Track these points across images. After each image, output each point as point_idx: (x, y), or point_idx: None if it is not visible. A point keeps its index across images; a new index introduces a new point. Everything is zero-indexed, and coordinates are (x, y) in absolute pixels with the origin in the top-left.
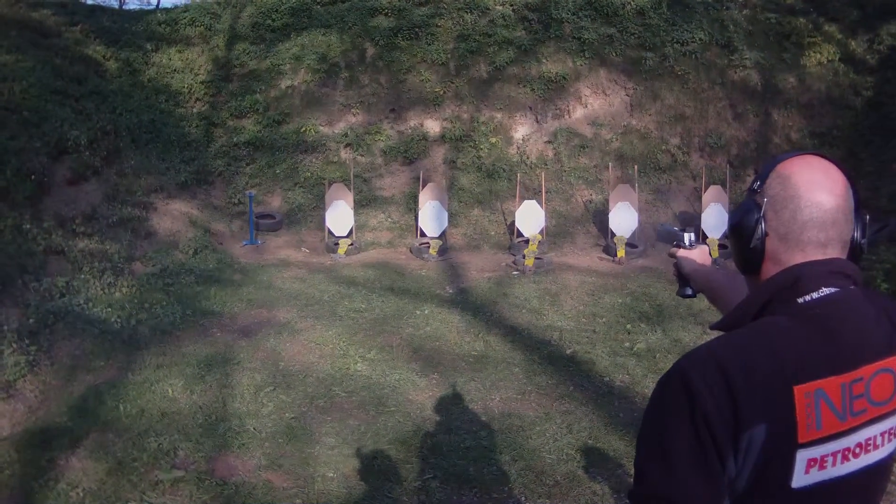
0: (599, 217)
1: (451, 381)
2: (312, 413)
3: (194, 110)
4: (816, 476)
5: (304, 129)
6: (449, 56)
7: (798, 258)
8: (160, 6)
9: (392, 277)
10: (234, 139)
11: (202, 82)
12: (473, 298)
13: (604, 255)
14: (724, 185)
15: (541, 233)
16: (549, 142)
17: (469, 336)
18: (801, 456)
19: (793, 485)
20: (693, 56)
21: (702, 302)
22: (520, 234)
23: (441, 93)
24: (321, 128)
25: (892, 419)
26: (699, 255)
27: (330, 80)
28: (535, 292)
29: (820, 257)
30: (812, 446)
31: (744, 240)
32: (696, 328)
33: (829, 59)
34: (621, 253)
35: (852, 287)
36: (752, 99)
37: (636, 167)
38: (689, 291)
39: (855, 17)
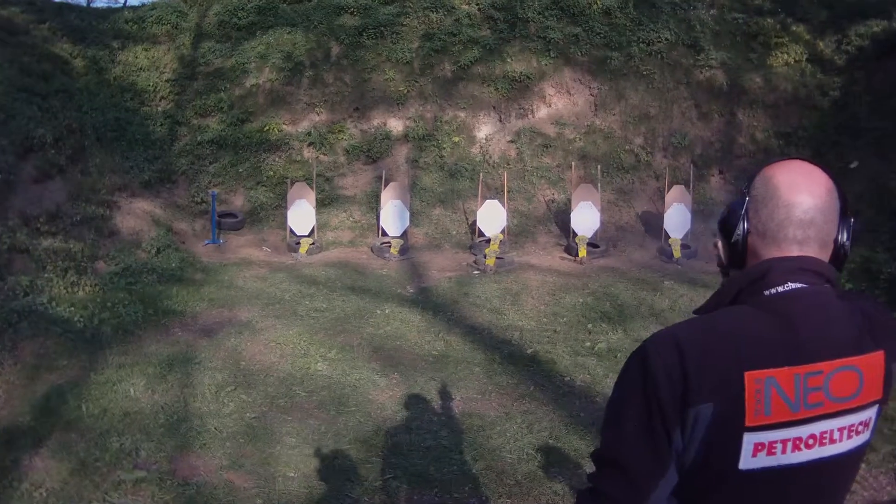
0: (561, 217)
1: (412, 381)
2: (273, 413)
3: (159, 109)
4: (765, 461)
5: (267, 127)
6: (414, 55)
7: (774, 254)
8: (127, 4)
9: (353, 277)
10: (199, 138)
11: (167, 80)
12: (434, 298)
13: (565, 255)
14: (687, 186)
15: (502, 232)
16: (512, 141)
17: (429, 336)
18: (748, 439)
19: (740, 466)
20: (659, 56)
21: (663, 302)
22: (481, 234)
23: (405, 92)
24: (285, 127)
25: (854, 416)
26: None
27: (294, 78)
28: (496, 292)
29: (795, 254)
30: (759, 431)
31: (727, 236)
32: (657, 327)
33: (797, 59)
34: (583, 253)
35: (825, 285)
36: (717, 99)
37: (599, 167)
38: None
39: (823, 18)
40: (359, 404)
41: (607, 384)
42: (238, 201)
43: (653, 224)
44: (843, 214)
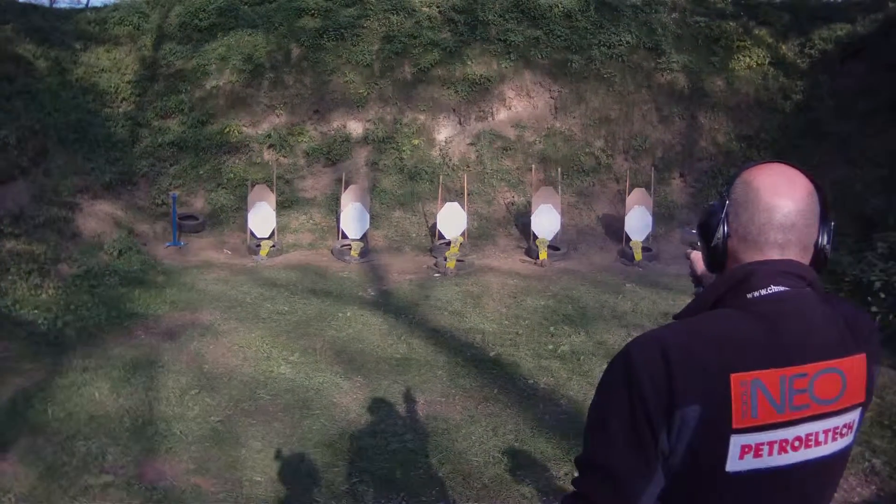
0: (521, 219)
1: (375, 384)
2: (238, 416)
3: (120, 110)
4: (752, 463)
5: (227, 129)
6: (374, 57)
7: (756, 258)
8: (89, 5)
9: (314, 279)
10: (159, 139)
11: (129, 82)
12: (395, 300)
13: (526, 258)
14: (648, 188)
15: (462, 235)
16: (472, 144)
17: (392, 338)
18: (735, 441)
19: (727, 468)
20: (620, 59)
21: (625, 304)
22: (441, 237)
23: (365, 94)
24: (245, 129)
25: (838, 418)
26: None
27: (255, 80)
28: (457, 294)
29: (776, 258)
30: (746, 433)
31: (707, 239)
32: (620, 330)
33: (759, 62)
34: (543, 255)
35: (806, 288)
36: (678, 102)
37: (560, 169)
38: (701, 290)
39: (786, 22)
40: (323, 407)
41: (571, 387)
42: (198, 203)
43: (613, 227)
44: (824, 218)
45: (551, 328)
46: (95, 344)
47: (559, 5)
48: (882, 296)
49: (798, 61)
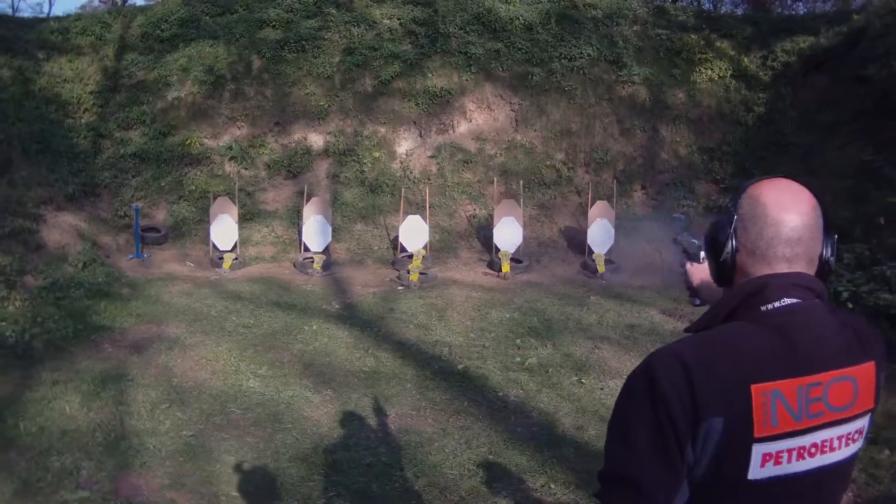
0: (483, 232)
1: (345, 398)
2: (210, 430)
3: (83, 121)
4: (772, 470)
5: (189, 141)
6: (335, 69)
7: (764, 271)
8: (51, 14)
9: (278, 292)
10: (121, 151)
11: (91, 92)
12: (360, 314)
13: (488, 270)
14: (610, 201)
15: (425, 248)
16: (433, 156)
17: (359, 352)
18: (757, 450)
19: (749, 476)
20: (581, 71)
21: (590, 317)
22: (403, 249)
23: (326, 106)
24: (206, 140)
25: (850, 424)
26: (707, 269)
27: (216, 92)
28: (421, 307)
29: (785, 271)
30: (767, 441)
31: (716, 254)
32: (587, 343)
33: (721, 75)
34: (506, 268)
35: (816, 300)
36: (639, 114)
37: (521, 182)
38: (697, 302)
39: (748, 34)
40: (294, 421)
41: (541, 399)
42: (160, 215)
43: (575, 239)
44: (827, 231)
45: (517, 341)
46: (63, 357)
47: (520, 18)
48: (850, 306)
49: (760, 74)
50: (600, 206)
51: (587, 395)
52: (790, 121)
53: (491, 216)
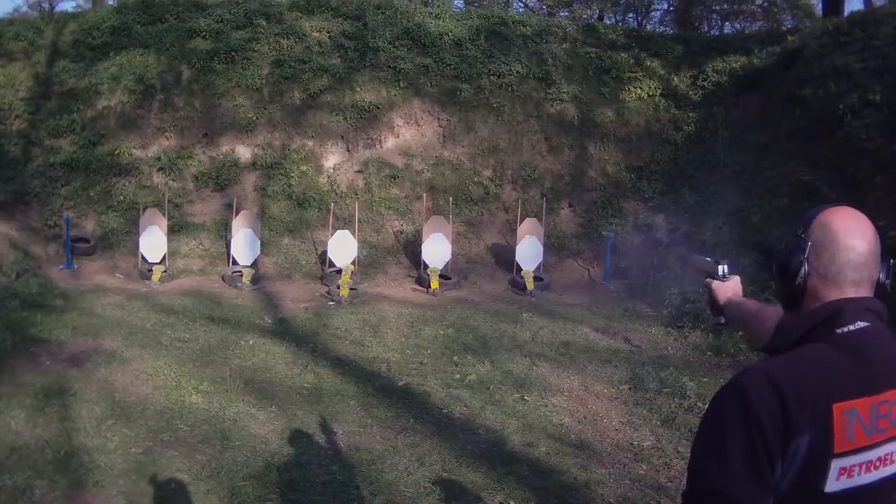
0: (411, 248)
1: (290, 414)
2: (159, 448)
3: (14, 128)
4: (845, 483)
5: (118, 151)
6: (263, 81)
7: (835, 295)
8: None
9: (209, 306)
10: (51, 159)
11: (22, 99)
12: (294, 329)
13: (417, 287)
14: (537, 218)
15: (353, 263)
16: (360, 171)
17: (297, 368)
18: (835, 465)
19: (826, 489)
20: (509, 88)
21: (524, 334)
22: (332, 264)
23: (254, 118)
24: (135, 151)
25: None
26: (733, 287)
27: (145, 101)
28: (354, 323)
29: (853, 295)
30: (844, 456)
31: (789, 278)
32: (523, 360)
33: (650, 93)
34: (435, 284)
35: (881, 322)
36: (568, 132)
37: (451, 199)
38: (723, 320)
39: (679, 53)
40: (242, 439)
41: (486, 416)
42: (89, 226)
43: (503, 256)
44: (883, 256)
45: (454, 357)
46: (3, 370)
47: (450, 34)
48: None
49: (691, 93)
50: (529, 223)
51: (532, 412)
52: (722, 140)
53: (419, 232)
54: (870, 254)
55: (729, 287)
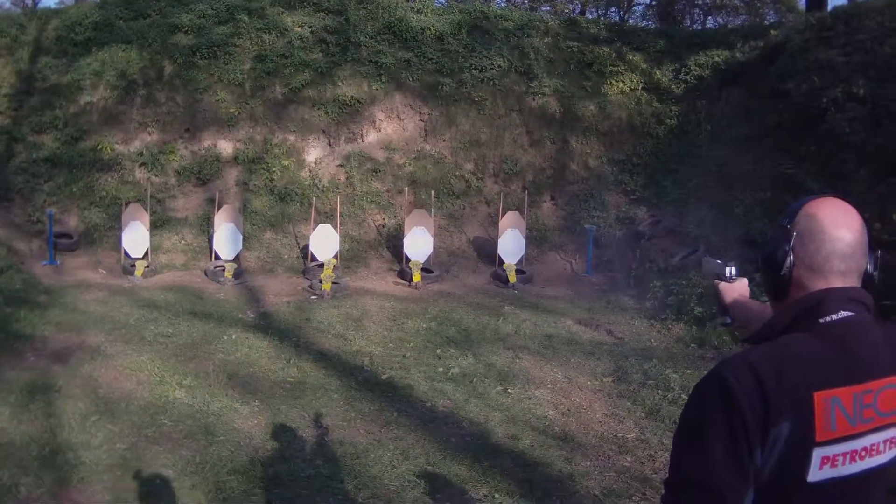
0: (393, 241)
1: (274, 409)
2: (143, 443)
3: None
4: (828, 472)
5: (100, 146)
6: (245, 76)
7: (821, 285)
8: None
9: (192, 301)
10: (34, 155)
11: (5, 95)
12: (277, 323)
13: (399, 280)
14: (520, 211)
15: (335, 257)
16: (342, 165)
17: (280, 362)
18: (817, 453)
19: (808, 479)
20: (491, 82)
21: (507, 327)
22: (314, 258)
23: (236, 113)
24: (117, 146)
25: (894, 430)
26: (739, 288)
27: (128, 97)
28: (337, 317)
29: (839, 285)
30: (826, 445)
31: (774, 268)
32: (506, 352)
33: (633, 87)
34: (417, 278)
35: (866, 313)
36: (549, 126)
37: (433, 192)
38: (729, 320)
39: (661, 47)
40: (226, 433)
41: (470, 409)
42: (72, 221)
43: (485, 249)
44: (871, 247)
45: (437, 350)
46: None
47: (431, 28)
48: None
49: (673, 87)
50: (511, 216)
51: (515, 405)
52: (704, 133)
53: (400, 226)
54: (856, 244)
55: (736, 288)
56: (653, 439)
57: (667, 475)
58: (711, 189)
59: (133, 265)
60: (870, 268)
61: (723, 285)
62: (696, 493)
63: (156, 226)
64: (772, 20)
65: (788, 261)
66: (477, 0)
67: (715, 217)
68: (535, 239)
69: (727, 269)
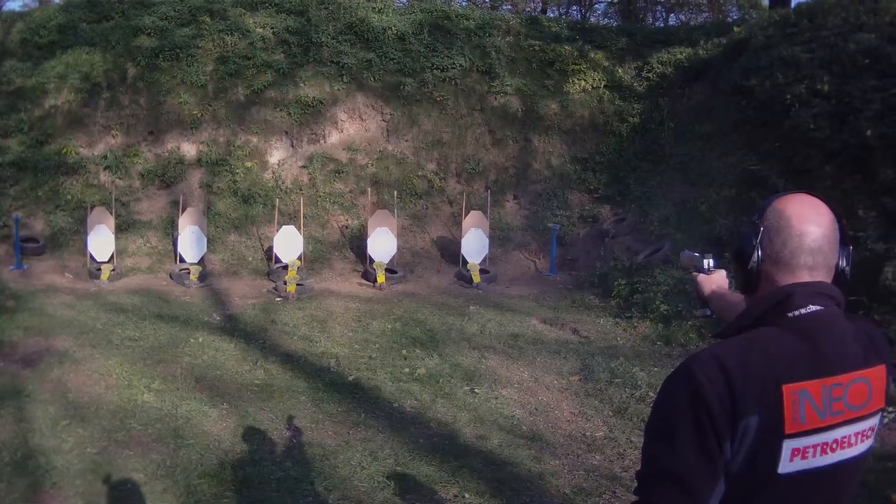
0: (356, 242)
1: (242, 411)
2: (113, 447)
3: None
4: (799, 465)
5: (65, 150)
6: (208, 78)
7: (788, 279)
8: None
9: (158, 304)
10: (0, 159)
11: None
12: (243, 326)
13: (363, 281)
14: (482, 211)
15: (299, 258)
16: (305, 167)
17: (247, 364)
18: (787, 445)
19: (779, 471)
20: (453, 82)
21: (472, 327)
22: (278, 260)
23: (199, 115)
24: (82, 149)
25: (865, 422)
26: (717, 279)
27: (92, 100)
28: (302, 319)
29: (807, 279)
30: (796, 437)
31: (743, 263)
32: (472, 352)
33: (595, 86)
34: (381, 279)
35: (836, 307)
36: (511, 125)
37: (396, 193)
38: (708, 312)
39: (623, 45)
40: (196, 437)
41: (437, 409)
42: (38, 225)
43: (449, 249)
44: (843, 243)
45: (403, 351)
46: None
47: (393, 28)
48: None
49: (635, 84)
50: (475, 215)
51: (483, 405)
52: (668, 131)
53: (364, 226)
54: (824, 239)
55: (714, 280)
56: (621, 437)
57: (639, 468)
58: (675, 187)
59: (99, 269)
60: (842, 262)
61: (701, 277)
62: (667, 484)
63: (121, 229)
64: (735, 17)
65: (756, 255)
66: (438, 0)
67: (679, 214)
68: (499, 238)
69: (705, 262)
